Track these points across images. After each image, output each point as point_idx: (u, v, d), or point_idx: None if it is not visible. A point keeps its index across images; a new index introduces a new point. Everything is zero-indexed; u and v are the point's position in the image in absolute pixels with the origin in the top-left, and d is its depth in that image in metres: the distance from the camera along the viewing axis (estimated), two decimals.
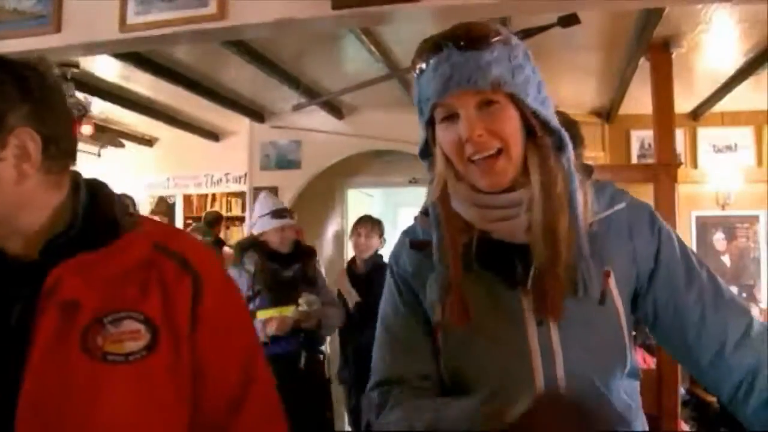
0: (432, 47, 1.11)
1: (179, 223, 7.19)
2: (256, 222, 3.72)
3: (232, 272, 3.43)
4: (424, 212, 1.23)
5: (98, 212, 1.03)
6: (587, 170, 1.19)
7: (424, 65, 1.12)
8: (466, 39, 1.06)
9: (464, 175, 1.12)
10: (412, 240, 1.24)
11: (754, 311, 4.88)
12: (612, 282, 1.13)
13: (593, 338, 1.12)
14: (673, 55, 4.33)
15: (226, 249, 5.87)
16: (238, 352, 1.10)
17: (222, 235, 6.73)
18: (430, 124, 1.16)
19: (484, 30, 1.07)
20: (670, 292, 1.15)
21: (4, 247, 0.99)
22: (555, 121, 1.11)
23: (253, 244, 3.71)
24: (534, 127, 1.09)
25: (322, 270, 4.47)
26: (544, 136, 1.10)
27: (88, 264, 0.96)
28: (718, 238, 5.97)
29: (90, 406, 0.91)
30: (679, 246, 1.19)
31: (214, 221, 6.44)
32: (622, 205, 1.16)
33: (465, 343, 1.15)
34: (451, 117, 1.09)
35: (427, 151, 1.21)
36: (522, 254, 1.11)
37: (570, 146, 1.12)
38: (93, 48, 3.32)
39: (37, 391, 0.89)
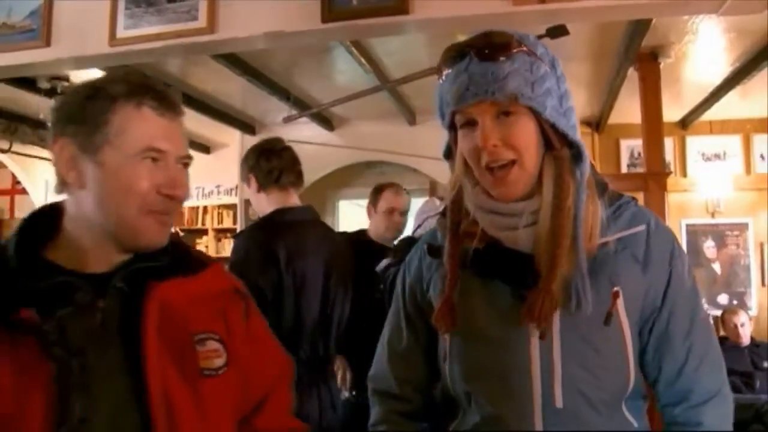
0: (455, 54, 1.10)
1: None
2: (424, 223, 3.40)
3: None
4: (443, 214, 1.25)
5: (180, 242, 1.18)
6: (602, 186, 1.16)
7: (447, 71, 1.11)
8: (486, 49, 1.06)
9: (480, 181, 1.13)
10: (430, 245, 1.27)
11: (744, 318, 4.92)
12: (620, 303, 1.11)
13: (595, 358, 1.11)
14: (661, 65, 4.37)
15: None
16: (272, 360, 1.29)
17: (214, 247, 6.71)
18: (452, 128, 1.15)
19: (506, 40, 1.07)
20: (664, 336, 1.16)
21: (88, 259, 1.07)
22: (574, 133, 1.11)
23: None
24: (551, 139, 1.09)
25: None
26: (562, 148, 1.10)
27: (185, 287, 1.09)
28: (709, 246, 6.00)
29: (196, 415, 1.05)
30: (689, 289, 1.18)
31: None
32: (641, 228, 1.14)
33: (469, 349, 1.17)
34: (470, 124, 1.09)
35: (450, 153, 1.21)
36: (530, 264, 1.10)
37: (587, 160, 1.12)
38: (83, 62, 3.31)
39: (160, 397, 1.01)
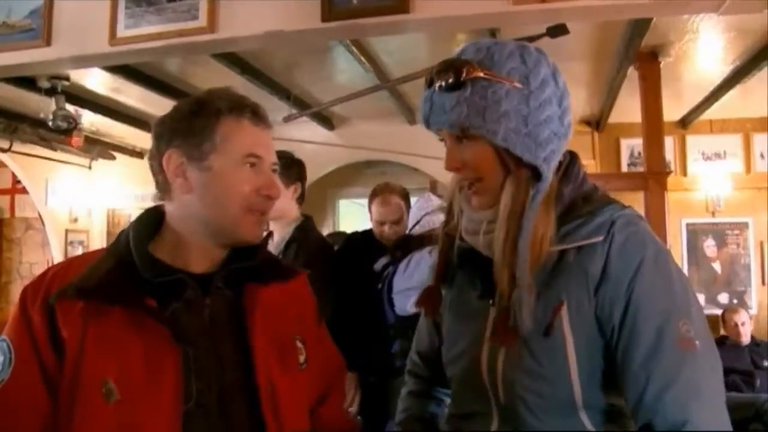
0: (428, 79, 1.15)
1: None
2: (422, 220, 3.17)
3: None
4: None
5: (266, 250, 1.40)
6: (585, 195, 1.16)
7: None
8: (443, 78, 1.11)
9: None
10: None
11: (744, 317, 4.93)
12: (564, 316, 1.09)
13: (534, 366, 1.11)
14: (662, 65, 4.37)
15: None
16: (334, 359, 1.50)
17: None
18: None
19: (460, 67, 1.10)
20: (624, 358, 1.08)
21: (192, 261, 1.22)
22: (535, 156, 1.09)
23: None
24: (506, 161, 1.11)
25: None
26: (518, 169, 1.11)
27: (280, 291, 1.27)
28: (709, 245, 6.00)
29: (293, 403, 1.23)
30: (659, 310, 1.07)
31: None
32: (597, 239, 1.09)
33: (448, 336, 1.29)
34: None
35: None
36: (489, 268, 1.15)
37: (547, 180, 1.12)
38: (83, 61, 3.31)
39: (266, 387, 1.17)
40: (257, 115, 1.22)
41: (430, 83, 1.14)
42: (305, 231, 2.70)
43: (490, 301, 1.17)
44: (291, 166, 2.67)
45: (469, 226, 1.20)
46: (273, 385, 1.18)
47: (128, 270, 1.15)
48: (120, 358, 1.10)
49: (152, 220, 1.25)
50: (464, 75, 1.09)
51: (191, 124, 1.18)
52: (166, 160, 1.18)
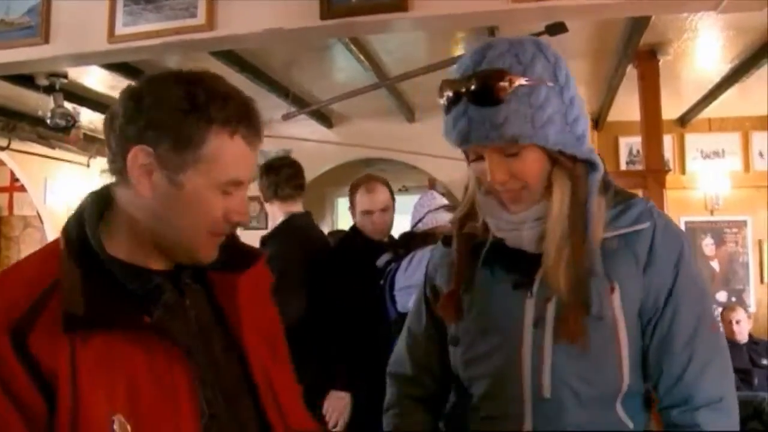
0: (452, 95, 1.10)
1: None
2: (426, 217, 3.11)
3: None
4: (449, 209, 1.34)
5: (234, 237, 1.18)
6: (606, 185, 1.19)
7: (445, 106, 1.12)
8: (481, 93, 1.06)
9: (492, 193, 1.17)
10: (445, 236, 1.33)
11: (740, 315, 4.93)
12: (616, 297, 1.13)
13: (587, 351, 1.12)
14: (660, 63, 4.36)
15: None
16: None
17: None
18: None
19: (498, 78, 1.05)
20: (666, 338, 1.15)
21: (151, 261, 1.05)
22: (582, 149, 1.12)
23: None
24: (561, 161, 1.12)
25: None
26: (574, 165, 1.12)
27: (249, 276, 1.12)
28: (707, 244, 6.01)
29: (295, 398, 1.17)
30: (698, 296, 1.18)
31: None
32: (644, 226, 1.15)
33: (471, 334, 1.23)
34: (480, 157, 1.13)
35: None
36: (530, 261, 1.15)
37: (601, 169, 1.14)
38: (81, 59, 3.31)
39: (265, 385, 1.08)
40: (252, 130, 1.03)
41: (457, 97, 1.08)
42: (286, 224, 3.00)
43: (528, 293, 1.16)
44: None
45: (506, 225, 1.17)
46: (271, 382, 1.10)
47: (104, 281, 0.97)
48: (127, 387, 0.92)
49: (101, 209, 1.05)
50: (506, 86, 1.05)
51: (175, 125, 0.97)
52: (132, 156, 0.98)
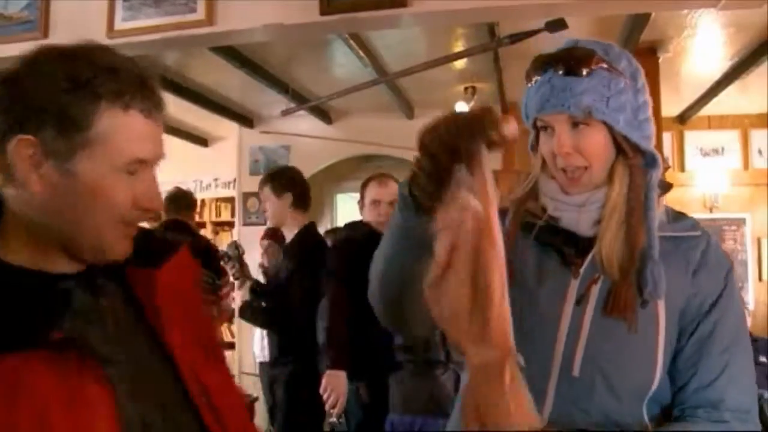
0: (540, 65, 1.18)
1: None
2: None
3: None
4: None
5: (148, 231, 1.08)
6: (665, 186, 1.26)
7: (535, 78, 1.20)
8: (567, 64, 1.15)
9: (555, 177, 1.23)
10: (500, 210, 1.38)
11: None
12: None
13: (623, 337, 1.14)
14: (660, 60, 4.36)
15: None
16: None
17: (211, 240, 6.70)
18: (534, 127, 1.25)
19: (587, 55, 1.15)
20: (706, 341, 1.17)
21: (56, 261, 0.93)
22: (647, 143, 1.19)
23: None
24: (624, 148, 1.18)
25: None
26: (635, 156, 1.19)
27: (170, 269, 1.01)
28: None
29: (235, 404, 1.07)
30: (739, 314, 1.22)
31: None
32: (698, 233, 1.24)
33: (511, 303, 1.24)
34: (548, 128, 1.19)
35: (534, 147, 1.31)
36: (582, 243, 1.20)
37: (660, 166, 1.20)
38: None
39: (199, 393, 0.97)
40: (151, 100, 0.90)
41: (545, 68, 1.16)
42: (301, 237, 3.20)
43: (575, 273, 1.20)
44: (281, 177, 3.17)
45: (563, 207, 1.23)
46: (204, 384, 0.97)
47: (0, 295, 0.84)
48: (32, 427, 0.78)
49: None
50: (592, 63, 1.14)
51: (58, 107, 0.85)
52: (14, 149, 0.85)
